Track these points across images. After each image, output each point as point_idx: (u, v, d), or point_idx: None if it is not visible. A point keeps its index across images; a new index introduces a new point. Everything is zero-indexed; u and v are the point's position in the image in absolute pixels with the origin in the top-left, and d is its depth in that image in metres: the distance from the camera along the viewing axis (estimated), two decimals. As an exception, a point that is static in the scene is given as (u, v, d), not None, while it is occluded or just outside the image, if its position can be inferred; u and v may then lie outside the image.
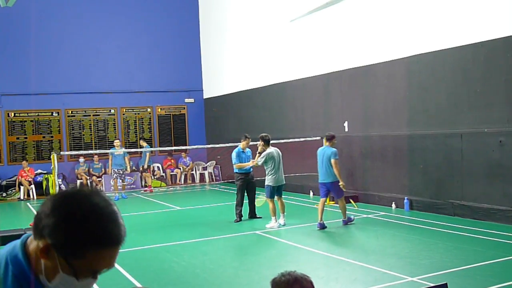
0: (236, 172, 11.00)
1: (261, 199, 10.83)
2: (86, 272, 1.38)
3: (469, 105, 9.87)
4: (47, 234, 1.34)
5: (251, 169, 10.98)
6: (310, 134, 13.75)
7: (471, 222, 9.56)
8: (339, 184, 9.69)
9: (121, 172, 16.19)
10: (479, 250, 7.64)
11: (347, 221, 9.94)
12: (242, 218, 10.95)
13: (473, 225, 9.29)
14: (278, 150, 10.30)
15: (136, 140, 19.73)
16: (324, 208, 9.84)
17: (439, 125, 10.50)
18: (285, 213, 10.21)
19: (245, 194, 11.03)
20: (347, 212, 10.03)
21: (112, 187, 16.41)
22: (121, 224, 1.40)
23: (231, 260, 7.86)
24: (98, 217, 1.36)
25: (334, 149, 9.84)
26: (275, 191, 10.12)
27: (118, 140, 16.72)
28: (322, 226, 9.59)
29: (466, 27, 9.83)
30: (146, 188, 17.66)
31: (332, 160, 9.64)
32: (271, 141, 10.57)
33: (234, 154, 10.97)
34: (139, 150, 18.69)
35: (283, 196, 10.48)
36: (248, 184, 10.98)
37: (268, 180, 10.06)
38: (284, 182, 10.32)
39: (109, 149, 16.92)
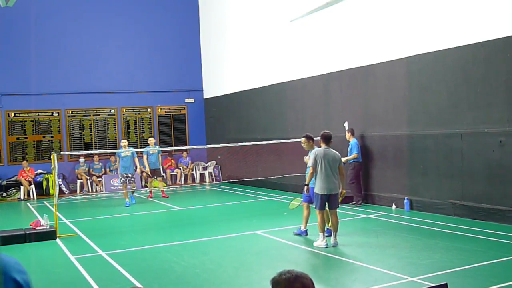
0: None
1: (294, 203, 10.00)
2: None
3: (469, 105, 9.86)
4: None
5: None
6: (310, 134, 13.75)
7: (471, 222, 9.56)
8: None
9: (129, 175, 14.34)
10: (479, 250, 7.64)
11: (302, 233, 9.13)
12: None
13: (473, 225, 9.29)
14: (330, 152, 8.29)
15: (136, 140, 19.74)
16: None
17: (439, 125, 10.50)
18: (337, 232, 8.37)
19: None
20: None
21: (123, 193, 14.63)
22: None
23: (231, 260, 7.86)
24: None
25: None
26: (325, 201, 8.24)
27: (125, 140, 14.92)
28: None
29: (466, 27, 9.83)
30: (150, 193, 15.93)
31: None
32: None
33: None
34: (142, 150, 18.73)
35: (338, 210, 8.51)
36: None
37: (315, 187, 8.25)
38: (337, 192, 8.27)
39: (108, 149, 16.81)
